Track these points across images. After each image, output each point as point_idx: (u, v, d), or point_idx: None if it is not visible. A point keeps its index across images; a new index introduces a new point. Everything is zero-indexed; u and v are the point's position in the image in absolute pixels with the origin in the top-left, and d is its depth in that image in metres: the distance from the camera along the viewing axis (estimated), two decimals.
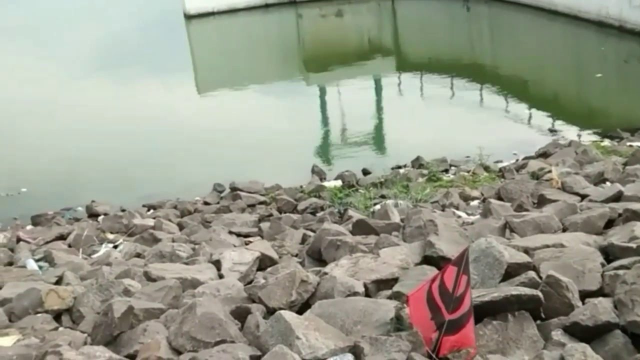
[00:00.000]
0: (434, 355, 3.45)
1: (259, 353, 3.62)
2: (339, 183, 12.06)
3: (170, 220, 10.53)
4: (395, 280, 4.58)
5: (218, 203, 11.88)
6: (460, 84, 18.93)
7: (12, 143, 15.91)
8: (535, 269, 4.39)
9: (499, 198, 8.35)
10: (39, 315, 5.16)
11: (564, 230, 5.67)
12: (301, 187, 12.19)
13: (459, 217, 7.83)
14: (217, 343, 3.79)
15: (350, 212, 8.66)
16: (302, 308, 4.33)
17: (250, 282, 5.59)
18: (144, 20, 30.13)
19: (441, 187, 10.79)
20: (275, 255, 6.63)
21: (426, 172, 11.93)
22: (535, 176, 9.84)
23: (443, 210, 8.34)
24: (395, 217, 7.05)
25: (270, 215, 10.60)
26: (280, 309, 4.10)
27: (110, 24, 29.96)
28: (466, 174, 11.75)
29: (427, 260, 5.01)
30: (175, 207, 11.66)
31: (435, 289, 3.51)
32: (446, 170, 12.34)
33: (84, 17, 31.83)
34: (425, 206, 8.34)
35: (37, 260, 8.10)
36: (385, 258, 4.90)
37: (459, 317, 3.42)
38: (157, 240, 8.89)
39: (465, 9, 27.09)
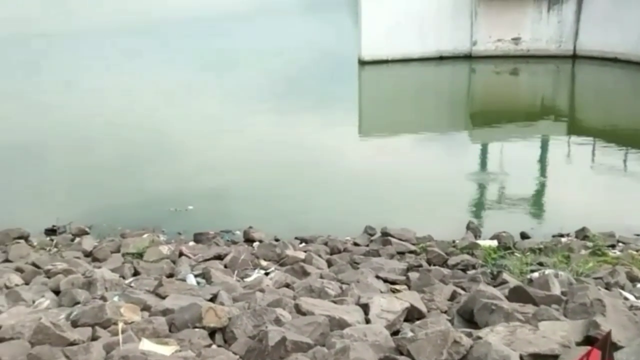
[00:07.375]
0: None
1: None
2: (494, 243, 11.66)
3: (320, 255, 10.73)
4: (554, 357, 4.32)
5: (368, 245, 11.91)
6: (637, 156, 17.80)
7: (183, 162, 17.07)
8: None
9: None
10: (196, 329, 5.42)
11: None
12: (454, 241, 11.93)
13: (626, 299, 7.29)
14: None
15: (505, 275, 8.36)
16: None
17: (396, 332, 5.52)
18: (320, 63, 31.42)
19: (605, 263, 10.14)
20: (424, 309, 6.52)
21: (590, 244, 11.23)
22: None
23: (607, 289, 7.81)
24: (556, 289, 6.70)
25: (420, 265, 10.46)
26: None
27: (289, 64, 31.65)
28: (635, 252, 10.94)
29: (589, 340, 4.69)
30: (325, 244, 11.85)
31: None
32: (613, 246, 11.57)
33: (268, 55, 33.74)
34: (588, 281, 7.85)
35: (195, 276, 8.56)
36: (545, 332, 4.64)
37: None
38: (306, 274, 9.10)
39: None
